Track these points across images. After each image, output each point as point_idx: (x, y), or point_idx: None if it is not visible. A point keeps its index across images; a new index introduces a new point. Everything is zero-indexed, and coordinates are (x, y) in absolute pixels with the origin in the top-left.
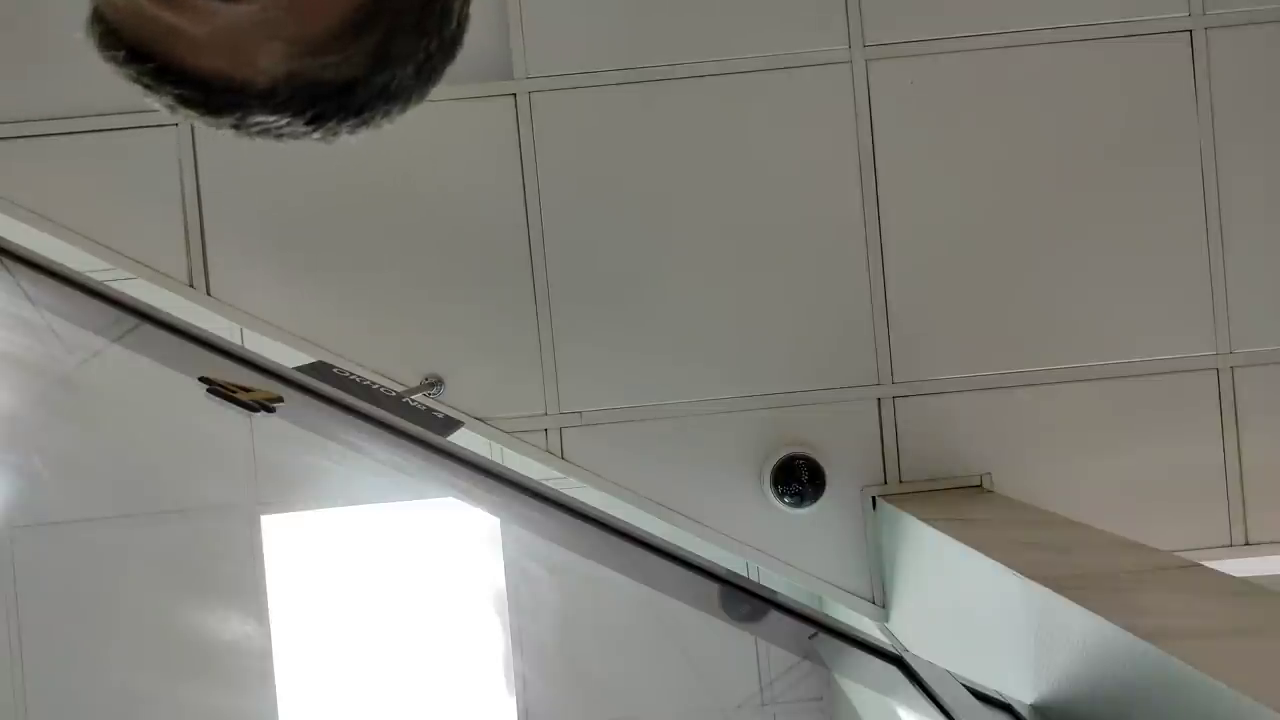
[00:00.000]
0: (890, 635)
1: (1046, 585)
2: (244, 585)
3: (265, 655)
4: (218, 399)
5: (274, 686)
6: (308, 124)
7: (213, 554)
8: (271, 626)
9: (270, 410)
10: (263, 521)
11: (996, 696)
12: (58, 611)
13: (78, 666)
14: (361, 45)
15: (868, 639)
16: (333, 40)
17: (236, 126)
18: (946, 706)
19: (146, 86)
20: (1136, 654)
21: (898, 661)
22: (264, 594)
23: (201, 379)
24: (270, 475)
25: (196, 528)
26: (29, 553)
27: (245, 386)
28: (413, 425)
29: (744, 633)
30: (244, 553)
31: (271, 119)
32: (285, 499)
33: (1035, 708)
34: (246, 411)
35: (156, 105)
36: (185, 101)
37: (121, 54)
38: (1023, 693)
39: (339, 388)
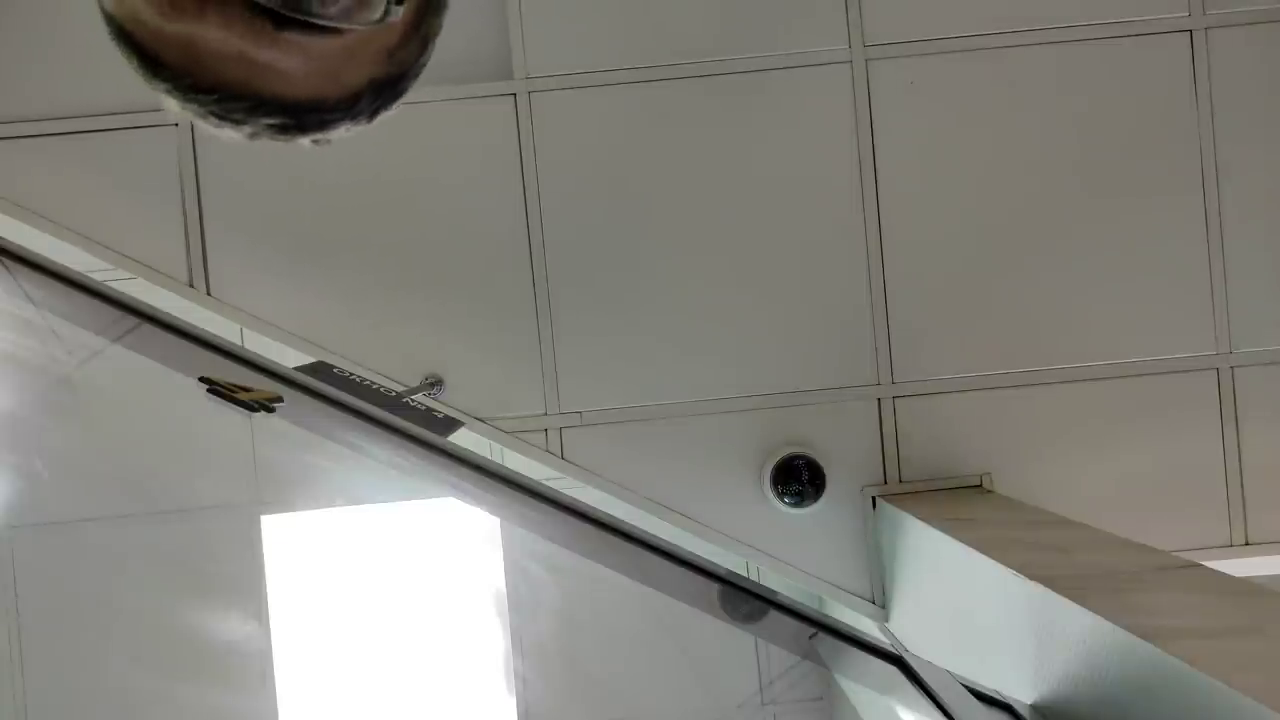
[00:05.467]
0: (890, 635)
1: (1046, 585)
2: (244, 585)
3: (265, 655)
4: (218, 399)
5: (274, 686)
6: (370, 118)
7: (213, 554)
8: (271, 626)
9: (270, 410)
10: (263, 521)
11: (996, 696)
12: (58, 611)
13: (78, 666)
14: (417, 37)
15: (868, 639)
16: (406, 41)
17: (317, 140)
18: (946, 706)
19: (236, 122)
20: (1136, 654)
21: (898, 661)
22: (264, 594)
23: (201, 379)
24: (270, 475)
25: (196, 528)
26: (29, 553)
27: (245, 386)
28: (413, 425)
29: (744, 633)
30: (244, 553)
31: (349, 124)
32: (285, 499)
33: (1035, 708)
34: (246, 411)
35: (233, 134)
36: (278, 129)
37: (213, 97)
38: (1023, 693)
39: (339, 388)
